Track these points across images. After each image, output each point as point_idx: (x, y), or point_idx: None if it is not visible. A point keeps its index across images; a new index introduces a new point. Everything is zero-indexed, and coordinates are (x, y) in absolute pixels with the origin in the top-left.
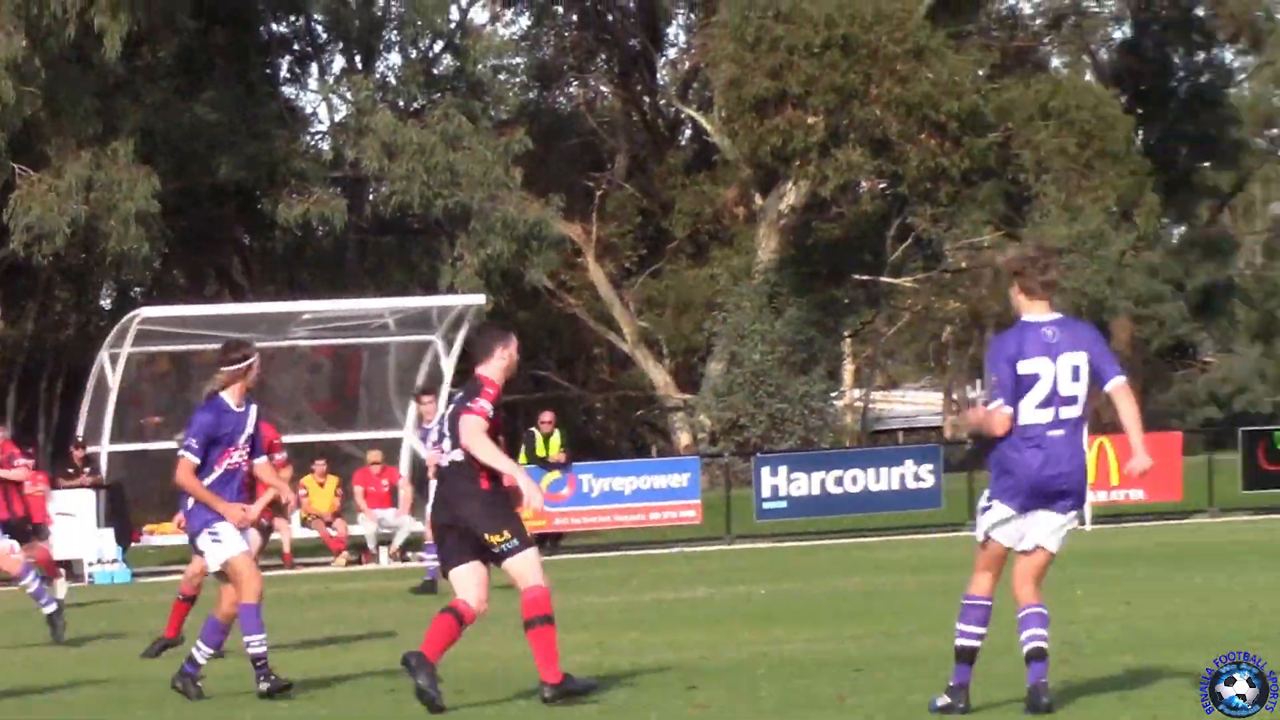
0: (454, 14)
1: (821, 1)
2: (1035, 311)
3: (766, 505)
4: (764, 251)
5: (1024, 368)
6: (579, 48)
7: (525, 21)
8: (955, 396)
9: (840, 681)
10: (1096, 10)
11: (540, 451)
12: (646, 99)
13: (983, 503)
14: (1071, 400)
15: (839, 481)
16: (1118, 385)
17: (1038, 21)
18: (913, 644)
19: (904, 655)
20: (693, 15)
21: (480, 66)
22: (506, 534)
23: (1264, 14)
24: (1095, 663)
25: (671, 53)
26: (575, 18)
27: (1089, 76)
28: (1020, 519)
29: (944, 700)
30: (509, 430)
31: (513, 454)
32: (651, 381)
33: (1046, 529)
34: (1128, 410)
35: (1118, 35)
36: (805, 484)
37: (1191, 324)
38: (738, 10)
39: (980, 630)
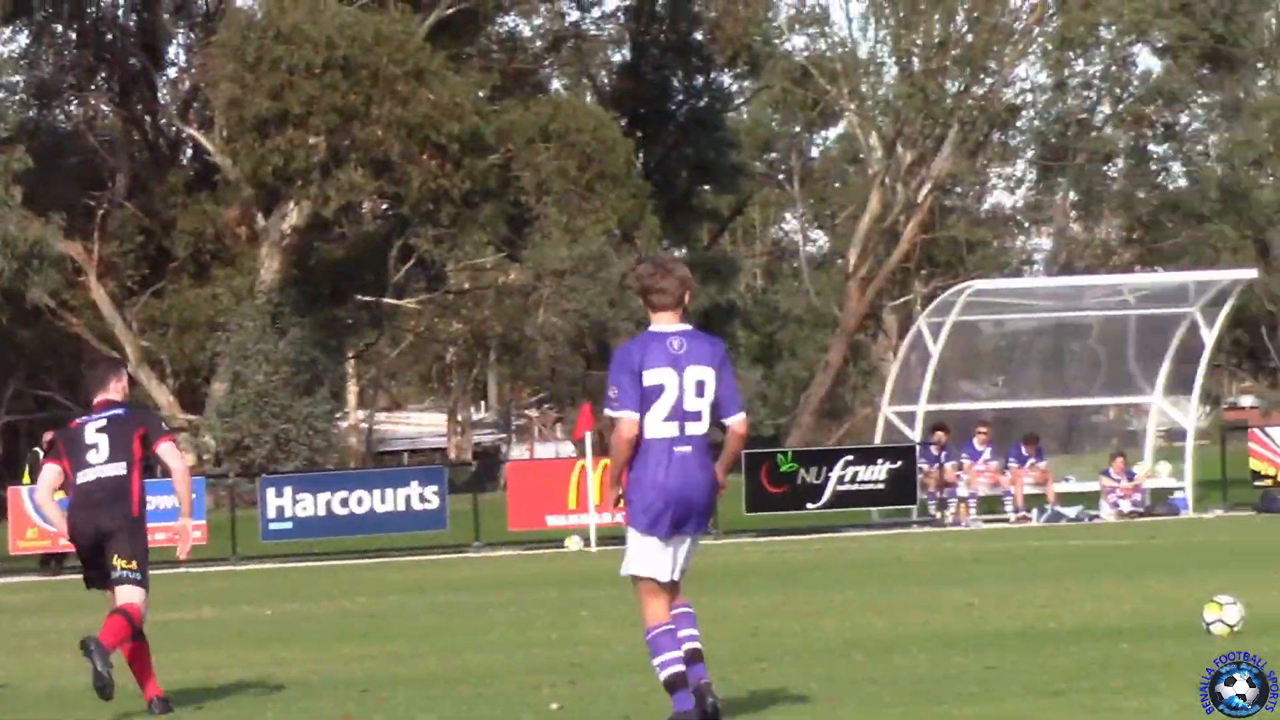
0: None
1: (321, 22)
2: (661, 322)
3: (272, 526)
4: (266, 271)
5: (648, 378)
6: (79, 66)
7: (24, 39)
8: (460, 418)
9: (345, 702)
10: (596, 33)
11: None
12: (147, 118)
13: (629, 537)
14: (696, 416)
15: (344, 502)
16: (737, 422)
17: (538, 44)
18: (418, 665)
19: (409, 676)
20: (193, 35)
21: None
22: (135, 564)
23: (761, 38)
24: (601, 684)
25: (172, 72)
26: (75, 36)
27: (589, 99)
28: (666, 545)
29: None
30: (14, 450)
31: (17, 475)
32: (155, 401)
33: (682, 556)
34: (729, 449)
35: (617, 59)
36: (311, 505)
37: None
38: (237, 30)
39: (678, 653)
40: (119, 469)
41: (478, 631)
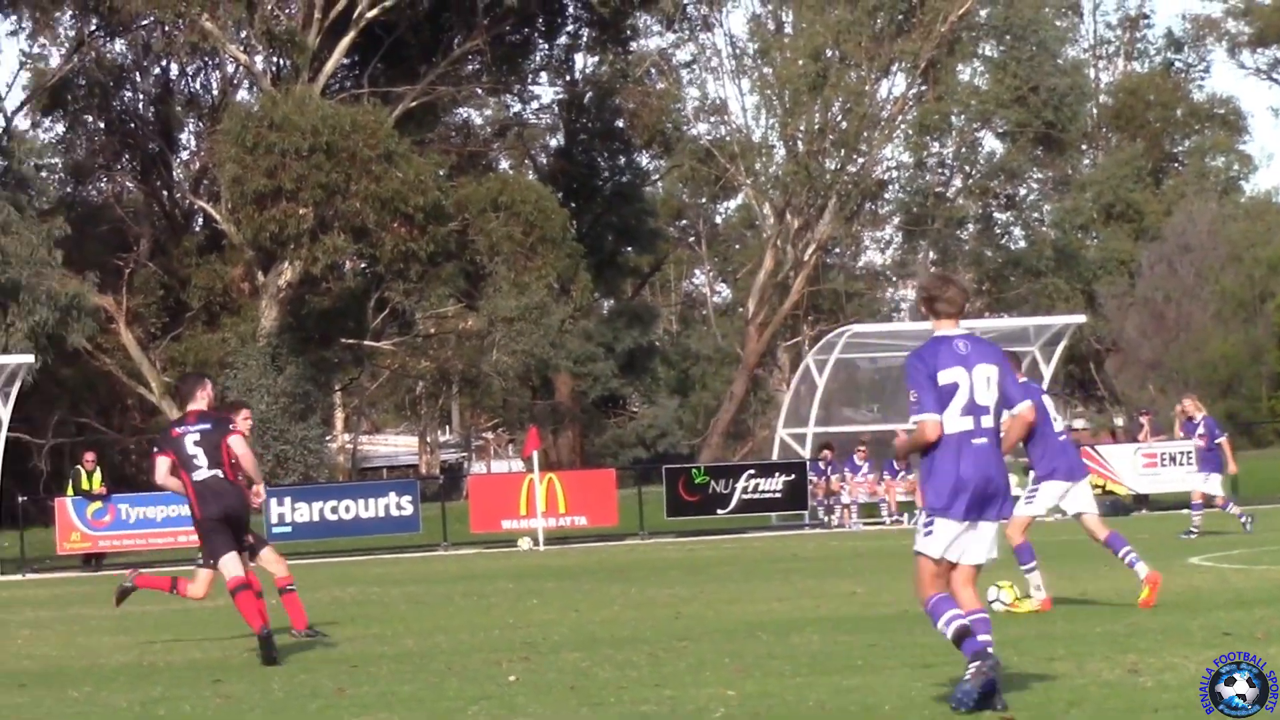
0: (1, 121)
1: (308, 114)
2: (945, 328)
3: (275, 529)
4: (266, 319)
5: (943, 378)
6: (107, 150)
7: (61, 128)
8: (429, 439)
9: (339, 675)
10: (535, 122)
11: (85, 485)
12: (165, 193)
13: (922, 520)
14: (986, 410)
15: (334, 510)
16: (1025, 409)
17: (487, 130)
18: (399, 644)
19: (392, 654)
20: (201, 124)
21: (25, 165)
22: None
23: (672, 125)
24: (550, 659)
25: (185, 154)
26: (103, 125)
27: (531, 176)
28: (963, 530)
29: (971, 671)
30: (60, 468)
31: (62, 488)
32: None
33: (985, 541)
34: (1012, 432)
35: (553, 143)
36: (307, 512)
37: (621, 380)
38: (237, 120)
39: (957, 609)
40: (218, 473)
41: (446, 617)
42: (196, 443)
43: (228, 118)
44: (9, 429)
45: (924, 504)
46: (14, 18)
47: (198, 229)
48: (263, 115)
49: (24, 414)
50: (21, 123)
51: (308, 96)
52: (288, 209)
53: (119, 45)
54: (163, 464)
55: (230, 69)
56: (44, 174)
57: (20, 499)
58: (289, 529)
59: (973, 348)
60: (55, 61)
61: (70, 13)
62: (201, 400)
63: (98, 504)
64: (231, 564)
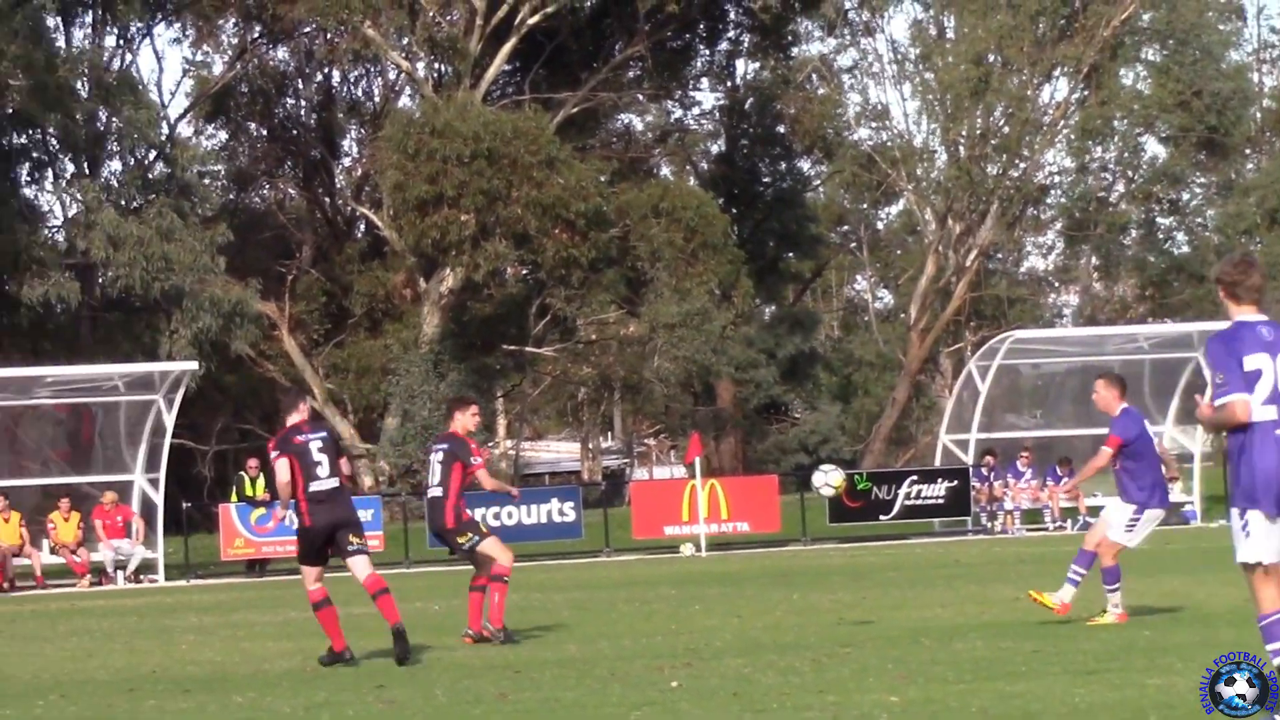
0: (164, 128)
1: (469, 120)
2: (1246, 313)
3: None
4: (428, 326)
5: (1248, 364)
6: (269, 157)
7: (223, 135)
8: (591, 445)
9: (502, 681)
10: (696, 128)
11: (249, 492)
12: (327, 199)
13: (1238, 523)
14: None
15: (497, 516)
16: None
17: (648, 136)
18: (561, 650)
19: (554, 659)
20: (363, 130)
21: (188, 172)
22: (363, 540)
23: (833, 131)
24: (712, 665)
25: (346, 161)
26: (265, 132)
27: (692, 182)
28: (1273, 524)
29: None
30: (223, 474)
31: (226, 494)
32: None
33: None
34: None
35: (714, 148)
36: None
37: (782, 386)
38: (399, 127)
39: None
40: (337, 483)
41: (609, 623)
42: (321, 449)
43: (389, 124)
44: (174, 435)
45: (1234, 501)
46: (177, 26)
47: (359, 235)
48: (424, 122)
49: (188, 420)
50: (185, 130)
51: (469, 103)
52: (449, 215)
53: (281, 52)
54: (284, 467)
55: (392, 76)
56: (207, 181)
57: (185, 505)
58: None
59: (1276, 335)
60: (218, 69)
61: (233, 21)
62: (304, 411)
63: (261, 510)
64: (311, 577)
